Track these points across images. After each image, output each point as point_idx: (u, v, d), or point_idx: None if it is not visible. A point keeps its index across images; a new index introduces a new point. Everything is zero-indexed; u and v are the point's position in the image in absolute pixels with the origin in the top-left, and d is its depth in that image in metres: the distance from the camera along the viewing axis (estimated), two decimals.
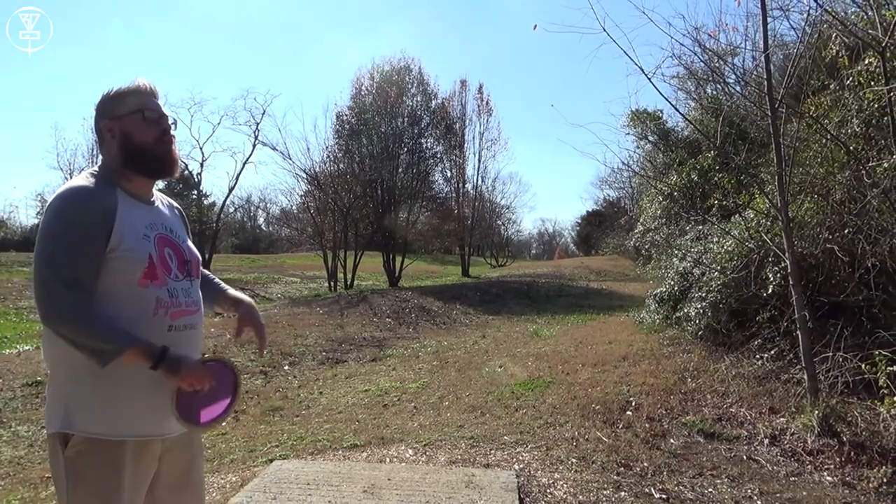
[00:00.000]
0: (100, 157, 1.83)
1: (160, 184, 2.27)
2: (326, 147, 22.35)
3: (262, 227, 60.82)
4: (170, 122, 1.82)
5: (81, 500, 1.62)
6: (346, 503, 3.22)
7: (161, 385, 1.66)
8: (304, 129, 68.46)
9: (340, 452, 4.38)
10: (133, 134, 1.73)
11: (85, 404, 1.62)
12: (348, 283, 20.16)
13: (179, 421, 1.68)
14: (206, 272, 2.09)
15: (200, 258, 1.96)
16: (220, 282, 2.16)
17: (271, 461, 4.11)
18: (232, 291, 2.13)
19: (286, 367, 8.22)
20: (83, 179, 1.68)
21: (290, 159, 20.35)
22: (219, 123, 23.47)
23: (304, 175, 20.95)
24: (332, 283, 19.96)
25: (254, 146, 22.98)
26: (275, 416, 5.77)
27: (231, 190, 27.39)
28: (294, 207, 27.58)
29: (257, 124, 22.09)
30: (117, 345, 1.55)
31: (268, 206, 55.28)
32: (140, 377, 1.63)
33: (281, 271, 25.38)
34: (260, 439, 4.97)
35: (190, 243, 1.94)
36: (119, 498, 1.63)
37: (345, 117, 22.37)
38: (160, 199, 1.91)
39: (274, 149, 20.49)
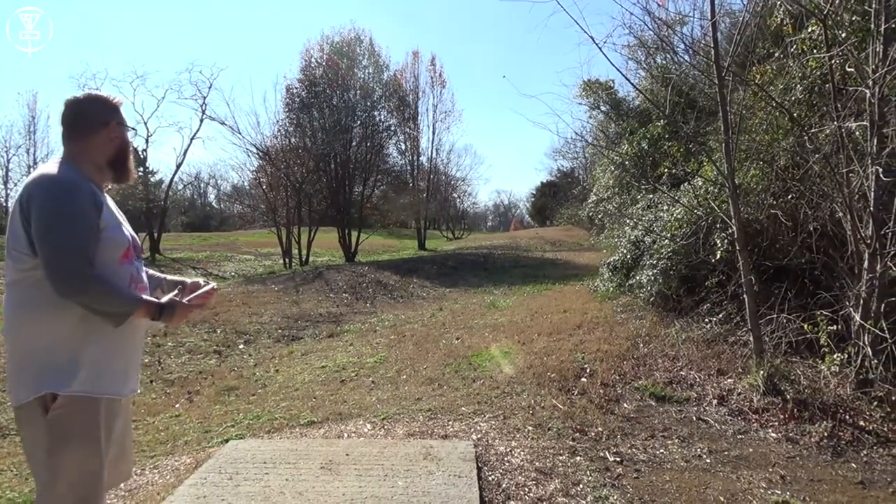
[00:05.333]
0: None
1: None
2: (277, 121, 21.86)
3: (214, 204, 59.51)
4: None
5: (69, 457, 1.78)
6: (304, 480, 3.20)
7: (131, 350, 1.98)
8: (253, 102, 67.01)
9: (297, 430, 4.33)
10: (124, 144, 2.05)
11: (66, 367, 1.78)
12: (303, 259, 19.90)
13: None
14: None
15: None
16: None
17: (227, 441, 4.03)
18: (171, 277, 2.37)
19: (241, 346, 8.09)
20: (66, 170, 1.86)
21: (240, 134, 19.81)
22: (163, 98, 22.51)
23: (255, 150, 20.41)
24: (286, 260, 19.67)
25: (201, 121, 22.15)
26: (230, 396, 5.67)
27: (179, 166, 26.70)
28: (245, 183, 27.01)
29: (204, 98, 21.33)
30: (135, 305, 1.87)
31: (218, 182, 54.05)
32: (118, 342, 1.89)
33: (234, 249, 24.85)
34: (215, 420, 4.88)
35: None
36: (99, 451, 1.83)
37: (295, 90, 21.88)
38: None
39: (222, 123, 19.80)
